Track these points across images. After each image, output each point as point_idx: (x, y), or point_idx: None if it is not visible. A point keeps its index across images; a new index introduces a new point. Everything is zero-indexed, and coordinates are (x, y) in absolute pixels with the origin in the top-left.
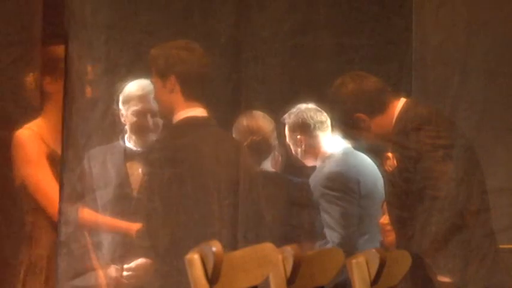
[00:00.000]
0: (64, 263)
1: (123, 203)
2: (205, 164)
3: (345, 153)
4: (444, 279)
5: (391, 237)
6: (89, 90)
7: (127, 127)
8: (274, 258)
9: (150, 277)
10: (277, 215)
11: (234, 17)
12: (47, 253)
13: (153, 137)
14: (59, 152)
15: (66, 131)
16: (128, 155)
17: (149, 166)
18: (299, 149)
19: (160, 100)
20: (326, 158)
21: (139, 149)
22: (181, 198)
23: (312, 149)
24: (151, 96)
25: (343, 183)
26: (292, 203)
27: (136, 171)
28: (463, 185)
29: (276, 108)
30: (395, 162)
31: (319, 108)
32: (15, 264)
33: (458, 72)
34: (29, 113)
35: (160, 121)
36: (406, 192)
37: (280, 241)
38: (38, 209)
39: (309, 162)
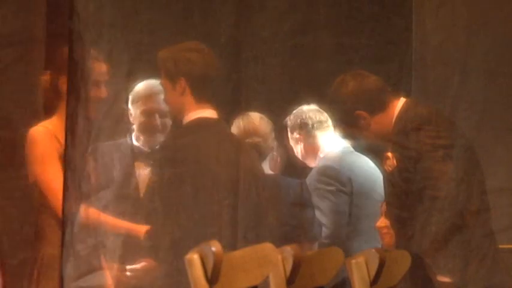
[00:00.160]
0: (69, 263)
1: (127, 202)
2: (206, 164)
3: (342, 152)
4: (444, 279)
5: (388, 239)
6: (92, 90)
7: (134, 126)
8: (274, 258)
9: (150, 277)
10: (277, 215)
11: (234, 17)
12: (59, 253)
13: (161, 137)
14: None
15: (70, 130)
16: (135, 155)
17: (156, 166)
18: (298, 149)
19: (171, 102)
20: (324, 156)
21: (147, 149)
22: (182, 198)
23: (311, 149)
24: (160, 96)
25: (334, 177)
26: (292, 203)
27: (143, 171)
28: (463, 185)
29: (276, 108)
30: (395, 162)
31: (319, 109)
32: (28, 264)
33: (458, 72)
34: (30, 113)
35: (169, 121)
36: (406, 192)
37: (280, 241)
38: (50, 207)
39: (309, 163)
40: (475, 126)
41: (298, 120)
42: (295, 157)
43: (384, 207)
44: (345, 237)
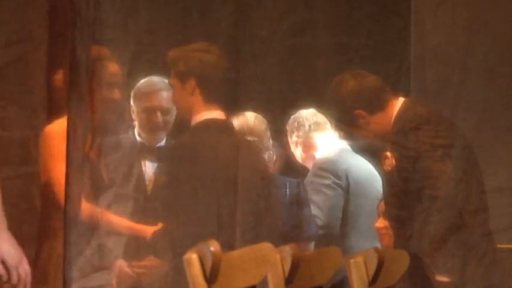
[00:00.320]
0: (72, 263)
1: (133, 201)
2: (205, 164)
3: (340, 150)
4: (443, 278)
5: (387, 240)
6: (105, 91)
7: (136, 123)
8: (272, 258)
9: (155, 275)
10: (275, 215)
11: (233, 16)
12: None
13: (162, 134)
14: (86, 149)
15: (71, 129)
16: (141, 151)
17: (165, 166)
18: (298, 152)
19: (179, 102)
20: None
21: (148, 146)
22: (189, 199)
23: (309, 150)
24: (163, 93)
25: (330, 170)
26: (290, 203)
27: (148, 168)
28: (461, 184)
29: (275, 108)
30: (394, 161)
31: (317, 111)
32: (43, 264)
33: (457, 72)
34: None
35: (171, 119)
36: (405, 192)
37: (279, 241)
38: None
39: (309, 165)
40: (475, 126)
41: (296, 123)
42: (294, 158)
43: (383, 207)
44: (339, 229)
